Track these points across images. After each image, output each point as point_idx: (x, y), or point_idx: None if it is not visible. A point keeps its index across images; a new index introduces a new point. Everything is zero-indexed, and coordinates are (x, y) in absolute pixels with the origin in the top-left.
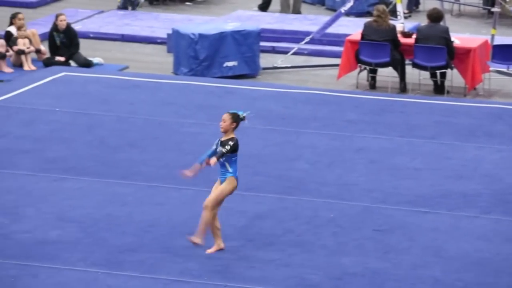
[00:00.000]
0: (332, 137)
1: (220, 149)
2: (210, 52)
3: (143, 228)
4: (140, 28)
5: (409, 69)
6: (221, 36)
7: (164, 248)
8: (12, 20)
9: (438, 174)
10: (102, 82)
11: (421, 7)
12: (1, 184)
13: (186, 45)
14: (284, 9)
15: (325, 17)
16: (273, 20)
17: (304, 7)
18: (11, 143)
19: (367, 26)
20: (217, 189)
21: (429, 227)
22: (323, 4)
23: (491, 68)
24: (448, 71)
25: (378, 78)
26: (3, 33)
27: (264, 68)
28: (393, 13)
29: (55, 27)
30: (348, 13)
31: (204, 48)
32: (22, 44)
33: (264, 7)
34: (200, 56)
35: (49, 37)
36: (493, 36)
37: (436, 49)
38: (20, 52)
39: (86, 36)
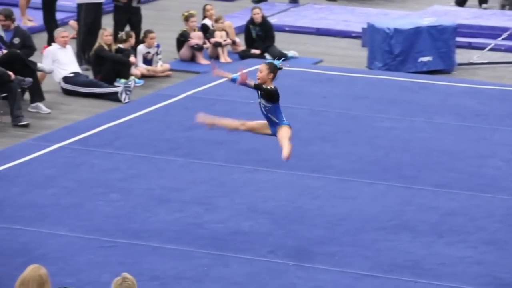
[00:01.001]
0: None
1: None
2: (405, 47)
3: (334, 222)
4: (335, 22)
5: None
6: (417, 31)
7: (354, 242)
8: (205, 12)
9: None
10: (296, 75)
11: None
12: (196, 174)
13: (381, 40)
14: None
15: None
16: (470, 15)
17: None
18: (207, 134)
19: None
20: (285, 131)
21: None
22: None
23: None
24: None
25: None
26: (199, 25)
27: (460, 64)
28: None
29: (251, 20)
30: None
31: (399, 43)
32: (219, 36)
33: (461, 2)
34: (395, 51)
35: (245, 30)
36: None
37: None
38: (217, 45)
39: (281, 29)
